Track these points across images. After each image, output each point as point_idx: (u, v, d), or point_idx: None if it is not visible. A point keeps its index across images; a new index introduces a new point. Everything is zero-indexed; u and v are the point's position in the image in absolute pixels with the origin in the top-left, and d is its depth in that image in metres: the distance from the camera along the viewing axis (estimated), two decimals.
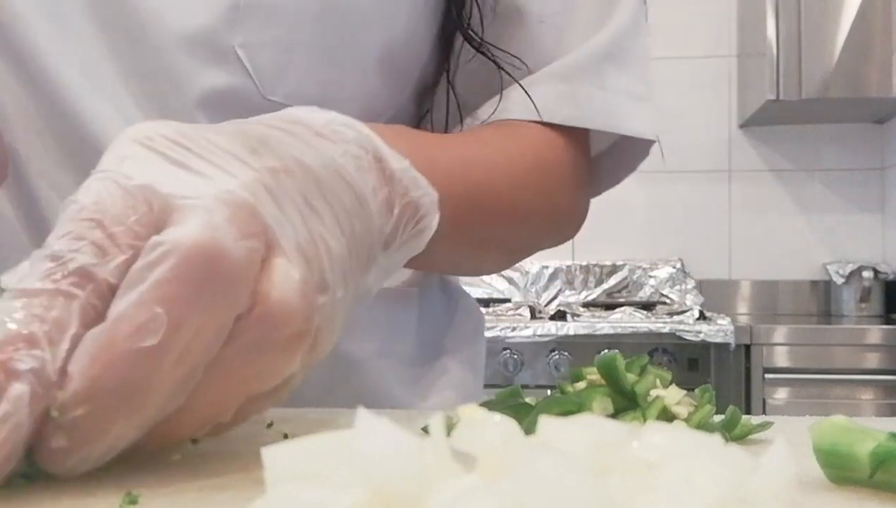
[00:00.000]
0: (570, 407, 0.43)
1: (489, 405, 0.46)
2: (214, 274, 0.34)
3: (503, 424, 0.27)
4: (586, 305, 2.64)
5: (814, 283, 2.86)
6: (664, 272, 2.81)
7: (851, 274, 2.71)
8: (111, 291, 0.34)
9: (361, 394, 0.66)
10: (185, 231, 0.34)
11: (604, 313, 2.38)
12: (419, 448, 0.25)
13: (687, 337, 2.24)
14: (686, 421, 0.44)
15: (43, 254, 0.34)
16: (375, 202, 0.43)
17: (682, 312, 2.36)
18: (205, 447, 0.41)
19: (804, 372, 2.27)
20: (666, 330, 2.24)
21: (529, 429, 0.28)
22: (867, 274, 2.68)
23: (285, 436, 0.43)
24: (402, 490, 0.24)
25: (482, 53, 0.66)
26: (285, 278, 0.36)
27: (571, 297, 2.80)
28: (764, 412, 2.25)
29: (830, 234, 2.87)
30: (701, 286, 2.84)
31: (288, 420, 0.48)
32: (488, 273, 0.73)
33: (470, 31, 0.66)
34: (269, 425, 0.46)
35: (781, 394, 2.28)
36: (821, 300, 2.85)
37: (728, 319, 2.31)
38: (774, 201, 2.88)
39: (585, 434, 0.27)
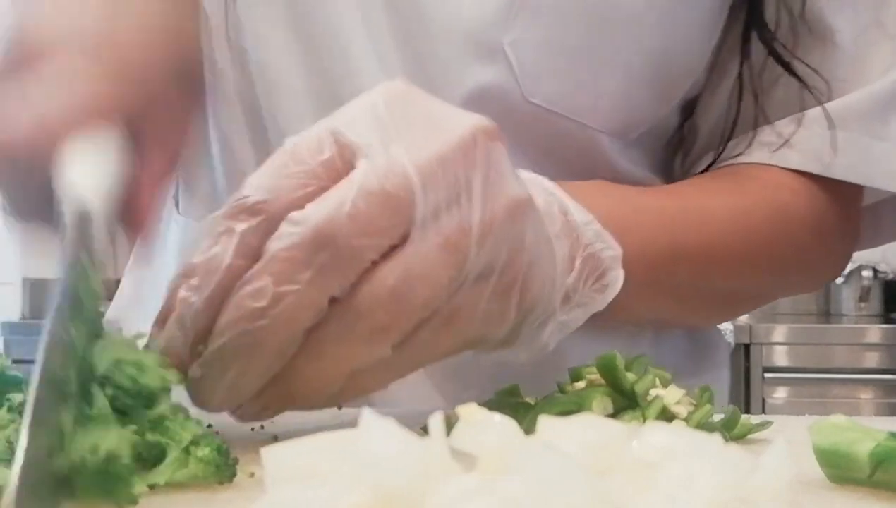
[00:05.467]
0: (569, 406, 0.43)
1: (489, 405, 0.46)
2: (320, 260, 0.38)
3: (503, 424, 0.27)
4: None
5: None
6: None
7: (851, 273, 2.71)
8: (274, 224, 0.39)
9: None
10: (315, 215, 0.38)
11: None
12: (421, 449, 0.25)
13: None
14: (686, 420, 0.44)
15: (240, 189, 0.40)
16: (559, 251, 0.45)
17: None
18: None
19: (804, 372, 2.28)
20: None
21: (529, 429, 0.28)
22: (867, 273, 2.68)
23: (275, 438, 0.43)
24: (403, 489, 0.24)
25: (789, 71, 0.61)
26: (385, 275, 0.38)
27: None
28: (763, 411, 2.25)
29: None
30: None
31: (287, 420, 0.48)
32: (705, 324, 0.69)
33: (776, 45, 0.61)
34: (262, 426, 0.46)
35: (781, 394, 2.28)
36: (820, 299, 2.85)
37: None
38: None
39: (585, 434, 0.27)
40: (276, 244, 0.38)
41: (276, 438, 0.43)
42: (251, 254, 0.39)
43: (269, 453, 0.26)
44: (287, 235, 0.38)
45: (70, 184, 0.42)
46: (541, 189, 0.46)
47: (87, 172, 0.42)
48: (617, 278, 0.48)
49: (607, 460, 0.26)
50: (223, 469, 0.35)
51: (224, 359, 0.39)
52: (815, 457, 0.36)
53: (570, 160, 0.61)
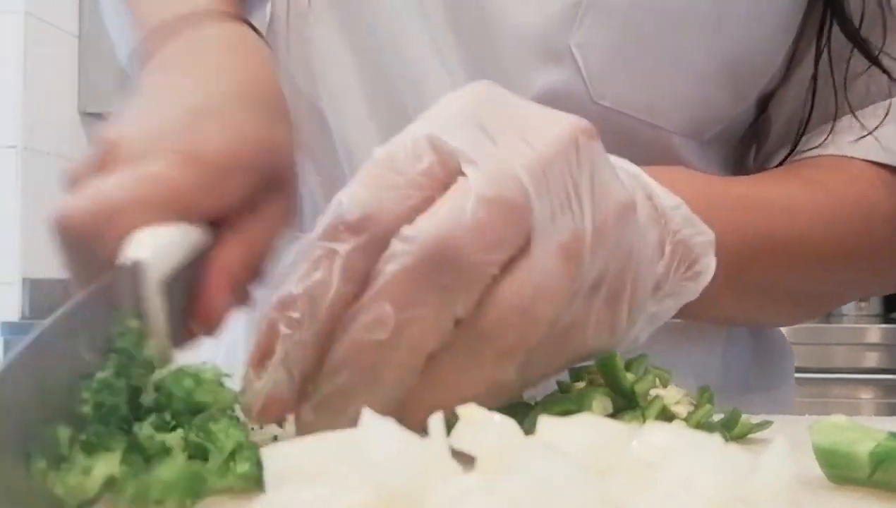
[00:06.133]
0: (569, 406, 0.43)
1: None
2: (445, 279, 0.35)
3: (503, 424, 0.27)
4: None
5: None
6: None
7: None
8: (381, 242, 0.35)
9: None
10: (433, 228, 0.35)
11: None
12: (421, 449, 0.25)
13: None
14: (686, 420, 0.44)
15: (332, 204, 0.36)
16: (648, 239, 0.42)
17: None
18: None
19: (804, 371, 2.27)
20: None
21: (529, 429, 0.28)
22: None
23: (275, 438, 0.43)
24: (403, 489, 0.24)
25: (872, 61, 0.58)
26: (512, 292, 0.36)
27: None
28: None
29: None
30: None
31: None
32: (782, 324, 0.67)
33: (861, 38, 0.59)
34: (261, 426, 0.46)
35: None
36: None
37: None
38: None
39: (585, 434, 0.27)
40: (390, 265, 0.35)
41: (275, 438, 0.43)
42: (358, 277, 0.35)
43: (269, 453, 0.26)
44: (402, 254, 0.35)
45: (129, 258, 0.39)
46: (624, 173, 0.43)
47: (149, 252, 0.39)
48: (709, 265, 0.44)
49: (607, 460, 0.26)
50: (260, 483, 0.33)
51: (341, 399, 0.36)
52: (815, 457, 0.36)
53: (640, 161, 0.58)
